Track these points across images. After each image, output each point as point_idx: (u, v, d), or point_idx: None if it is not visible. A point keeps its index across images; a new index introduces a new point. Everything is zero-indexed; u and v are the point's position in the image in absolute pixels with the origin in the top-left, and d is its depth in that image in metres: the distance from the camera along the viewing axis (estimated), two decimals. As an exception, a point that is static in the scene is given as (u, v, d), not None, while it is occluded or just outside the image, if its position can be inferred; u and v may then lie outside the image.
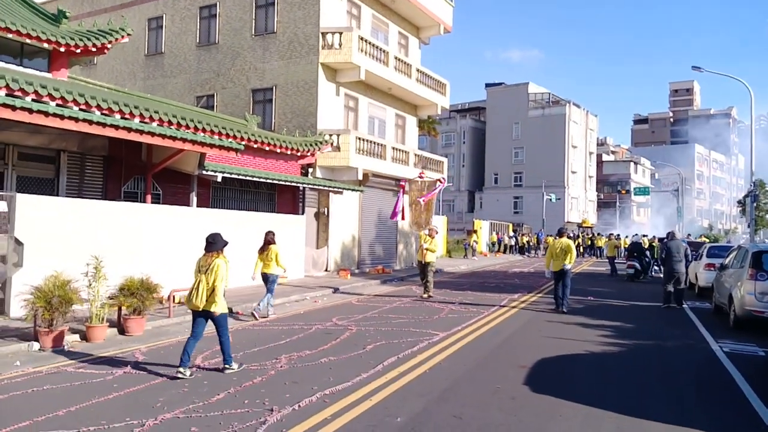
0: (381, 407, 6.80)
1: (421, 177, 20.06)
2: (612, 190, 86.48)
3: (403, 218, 21.58)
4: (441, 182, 20.45)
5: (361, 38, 24.69)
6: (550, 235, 51.48)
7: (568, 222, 69.77)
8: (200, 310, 8.12)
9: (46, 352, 9.36)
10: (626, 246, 37.72)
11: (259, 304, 13.45)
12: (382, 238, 28.76)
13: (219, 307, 8.14)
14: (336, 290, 18.42)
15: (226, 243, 8.46)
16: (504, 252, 49.10)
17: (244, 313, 13.75)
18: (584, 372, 8.86)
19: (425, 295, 17.18)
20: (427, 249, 17.63)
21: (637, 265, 25.49)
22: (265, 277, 13.57)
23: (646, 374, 8.83)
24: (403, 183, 20.51)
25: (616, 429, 6.30)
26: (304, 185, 21.91)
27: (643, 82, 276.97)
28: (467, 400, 7.17)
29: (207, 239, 8.40)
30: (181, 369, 7.94)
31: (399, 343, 10.43)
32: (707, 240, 36.91)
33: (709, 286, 17.39)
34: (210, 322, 8.34)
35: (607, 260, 32.30)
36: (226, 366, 8.33)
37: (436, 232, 18.45)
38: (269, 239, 13.59)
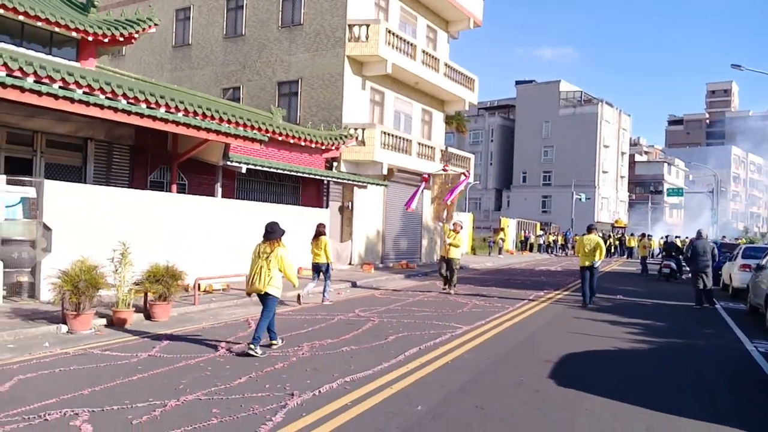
0: (402, 396, 6.73)
1: (444, 170, 19.82)
2: (644, 190, 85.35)
3: (409, 209, 21.18)
4: (465, 176, 20.19)
5: (389, 31, 24.58)
6: (579, 235, 51.04)
7: (598, 222, 69.03)
8: (262, 292, 8.68)
9: (74, 334, 9.48)
10: (661, 246, 37.14)
11: (324, 293, 14.50)
12: (407, 233, 28.68)
13: (275, 291, 8.71)
14: (357, 284, 18.33)
15: (283, 232, 9.02)
16: (530, 251, 48.74)
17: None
18: (612, 368, 8.70)
19: (448, 291, 17.02)
20: (451, 244, 17.39)
21: (673, 264, 25.39)
22: (317, 267, 14.39)
23: (676, 372, 8.64)
24: (426, 176, 20.31)
25: (645, 425, 6.14)
26: (329, 179, 21.91)
27: (680, 83, 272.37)
28: (490, 392, 7.07)
29: (266, 228, 8.98)
30: (253, 345, 8.45)
31: (421, 335, 10.35)
32: (743, 242, 36.20)
33: (744, 286, 17.05)
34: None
35: (638, 261, 32.00)
36: (251, 345, 8.45)
37: (461, 227, 18.22)
38: (320, 230, 14.44)
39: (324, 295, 14.51)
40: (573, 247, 49.26)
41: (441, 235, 19.31)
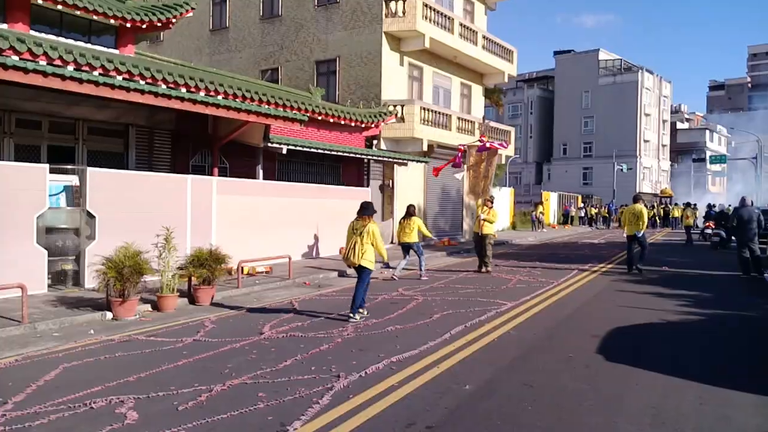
0: (449, 375, 6.65)
1: (481, 141, 19.37)
2: (686, 159, 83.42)
3: (460, 165, 20.56)
4: (503, 146, 19.76)
5: (425, 5, 24.22)
6: (624, 205, 50.22)
7: (641, 192, 67.72)
8: (357, 265, 9.65)
9: (119, 321, 9.55)
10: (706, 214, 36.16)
11: (421, 269, 15.06)
12: (448, 210, 28.46)
13: (368, 264, 9.67)
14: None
15: (375, 211, 10.10)
16: (571, 224, 47.99)
17: (311, 284, 13.87)
18: (661, 341, 8.49)
19: (483, 270, 16.20)
20: (484, 219, 16.51)
21: (723, 233, 24.97)
22: (407, 246, 15.08)
23: (727, 344, 8.40)
24: (462, 147, 19.90)
25: (698, 398, 5.97)
26: (369, 157, 21.79)
27: (721, 48, 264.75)
28: (538, 368, 6.95)
29: (361, 205, 9.94)
30: (352, 314, 9.63)
31: (466, 313, 10.24)
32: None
33: (794, 254, 16.60)
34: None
35: (683, 231, 31.41)
36: (351, 314, 9.64)
37: (492, 202, 17.50)
38: (411, 211, 15.30)
39: (420, 271, 15.02)
40: (619, 220, 48.75)
41: (474, 210, 18.88)
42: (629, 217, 16.49)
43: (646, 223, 16.41)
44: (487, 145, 18.78)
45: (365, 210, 9.83)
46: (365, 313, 9.88)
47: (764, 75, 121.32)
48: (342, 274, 15.28)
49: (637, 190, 66.96)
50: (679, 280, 15.16)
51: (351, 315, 9.63)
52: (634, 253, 16.54)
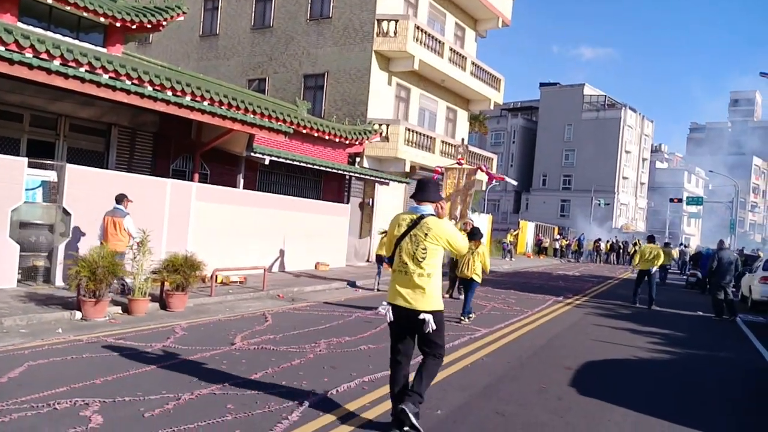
0: (421, 398, 6.56)
1: (459, 164, 19.30)
2: (663, 198, 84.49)
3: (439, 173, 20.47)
4: (482, 169, 19.76)
5: (417, 27, 24.40)
6: (599, 240, 50.56)
7: (615, 228, 68.40)
8: (469, 278, 12.16)
9: (88, 321, 9.39)
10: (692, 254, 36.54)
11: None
12: (427, 232, 28.41)
13: (477, 277, 12.24)
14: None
15: (482, 235, 12.71)
16: (545, 254, 48.20)
17: (285, 297, 13.75)
18: (634, 378, 8.49)
19: (456, 296, 15.73)
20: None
21: (699, 274, 25.52)
22: (381, 258, 16.12)
23: (698, 383, 8.44)
24: (438, 168, 19.82)
25: (668, 437, 5.97)
26: (351, 174, 21.76)
27: (705, 91, 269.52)
28: (511, 397, 6.89)
29: (472, 229, 12.82)
30: (463, 317, 11.85)
31: (440, 336, 10.15)
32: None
33: (765, 299, 16.81)
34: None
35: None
36: (462, 317, 11.80)
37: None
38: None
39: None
40: (588, 254, 49.03)
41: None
42: (646, 256, 16.98)
43: (660, 262, 17.25)
44: (493, 172, 19.05)
45: (475, 235, 12.43)
46: (473, 316, 12.03)
47: (744, 121, 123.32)
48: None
49: (613, 226, 67.68)
50: (651, 317, 15.23)
51: (462, 317, 11.74)
52: (638, 288, 17.57)
